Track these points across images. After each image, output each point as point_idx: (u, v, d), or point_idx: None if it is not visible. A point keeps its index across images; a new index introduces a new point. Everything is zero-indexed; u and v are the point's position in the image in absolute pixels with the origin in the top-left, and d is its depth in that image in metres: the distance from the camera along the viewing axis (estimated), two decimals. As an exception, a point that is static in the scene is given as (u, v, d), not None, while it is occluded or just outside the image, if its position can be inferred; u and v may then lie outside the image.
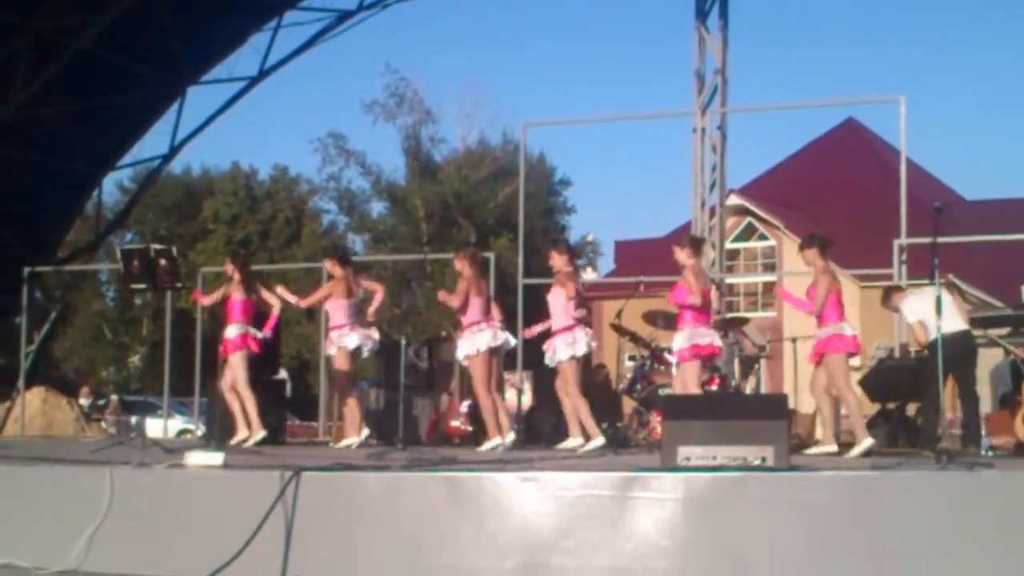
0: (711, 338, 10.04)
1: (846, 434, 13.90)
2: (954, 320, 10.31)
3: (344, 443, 11.16)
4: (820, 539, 6.14)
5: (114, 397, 28.32)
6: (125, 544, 6.80)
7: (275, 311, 11.42)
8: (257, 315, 11.25)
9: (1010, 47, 65.49)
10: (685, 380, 10.02)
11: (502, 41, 71.78)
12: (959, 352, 10.10)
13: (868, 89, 65.60)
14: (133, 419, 24.34)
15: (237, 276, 11.06)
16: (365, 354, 11.48)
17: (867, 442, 9.27)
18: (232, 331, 11.00)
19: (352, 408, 11.32)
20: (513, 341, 10.93)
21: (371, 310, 11.45)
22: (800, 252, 9.93)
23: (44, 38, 18.48)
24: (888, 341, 13.73)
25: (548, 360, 10.32)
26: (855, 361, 16.58)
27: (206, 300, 11.80)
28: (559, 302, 10.20)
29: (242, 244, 47.89)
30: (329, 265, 11.44)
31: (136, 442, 10.27)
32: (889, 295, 11.16)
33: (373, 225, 47.68)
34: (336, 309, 11.25)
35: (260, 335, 11.15)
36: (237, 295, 11.10)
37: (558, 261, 10.30)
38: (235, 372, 11.03)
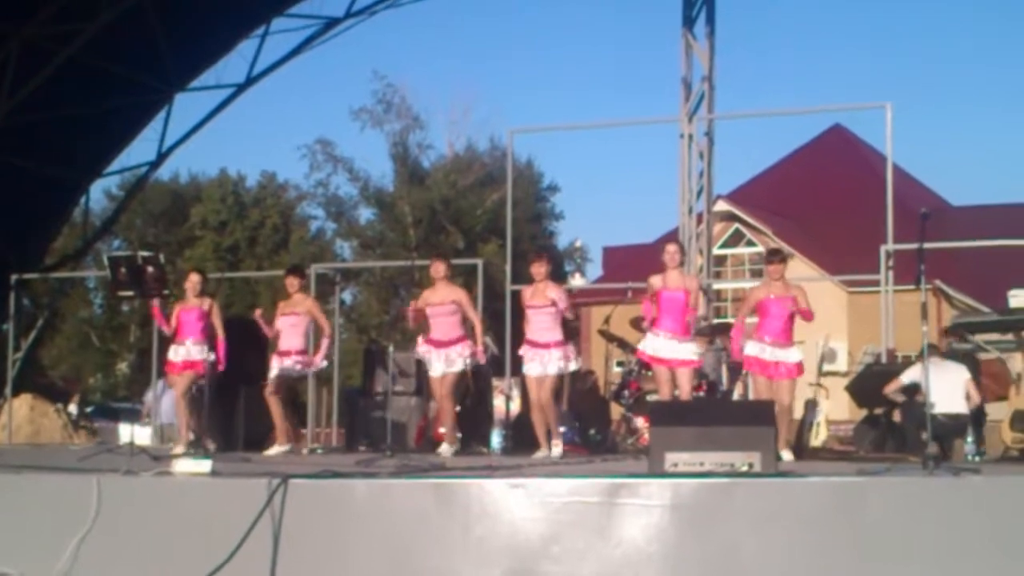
0: None
1: (841, 441, 13.96)
2: (954, 401, 10.55)
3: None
4: (808, 545, 6.15)
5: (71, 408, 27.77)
6: (113, 552, 6.78)
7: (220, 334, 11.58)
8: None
9: (997, 53, 65.80)
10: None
11: (489, 48, 71.91)
12: (942, 433, 10.34)
13: (855, 95, 65.61)
14: (121, 427, 24.23)
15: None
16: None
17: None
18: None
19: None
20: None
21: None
22: (770, 266, 10.05)
23: (32, 45, 18.46)
24: (875, 347, 13.77)
25: (548, 369, 10.41)
26: (842, 366, 16.66)
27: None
28: (554, 317, 10.39)
29: (230, 251, 47.84)
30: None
31: (123, 449, 10.24)
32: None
33: (361, 231, 47.67)
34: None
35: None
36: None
37: (544, 270, 10.49)
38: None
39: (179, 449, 10.91)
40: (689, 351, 10.14)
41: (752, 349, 9.90)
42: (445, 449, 10.86)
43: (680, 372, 10.17)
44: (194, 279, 11.46)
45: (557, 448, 10.45)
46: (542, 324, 10.41)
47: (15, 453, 11.73)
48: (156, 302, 11.28)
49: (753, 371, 10.04)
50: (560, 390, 12.62)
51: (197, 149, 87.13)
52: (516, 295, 14.77)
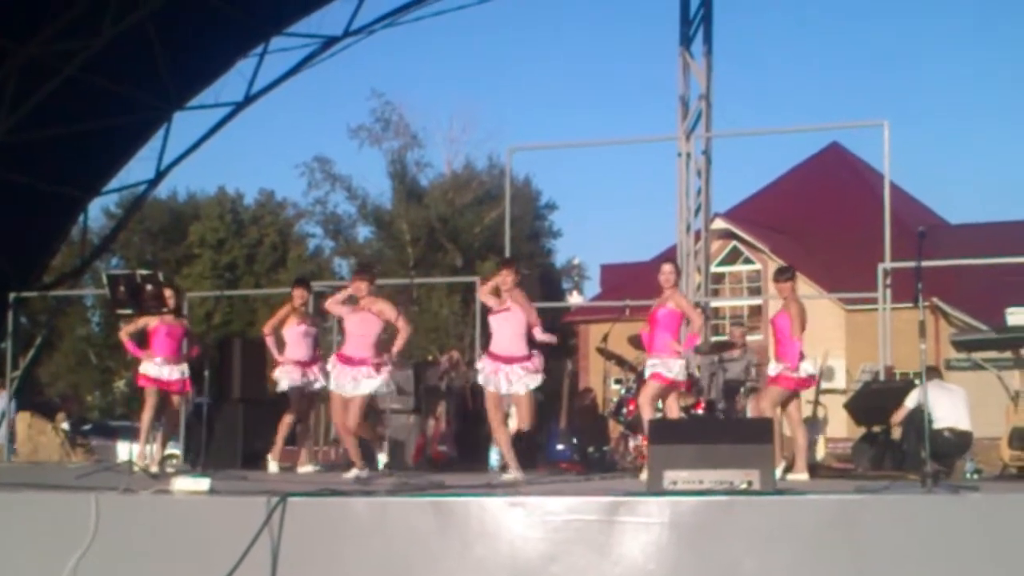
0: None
1: (839, 459, 13.92)
2: (959, 417, 10.58)
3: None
4: (807, 563, 6.15)
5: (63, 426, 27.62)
6: (111, 571, 6.77)
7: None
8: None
9: (995, 70, 65.99)
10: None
11: (487, 66, 72.09)
12: (947, 451, 10.36)
13: (852, 113, 65.98)
14: (119, 445, 24.19)
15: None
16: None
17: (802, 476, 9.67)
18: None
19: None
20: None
21: None
22: (776, 283, 10.13)
23: (34, 62, 18.50)
24: (873, 364, 13.77)
25: (505, 388, 9.60)
26: (840, 384, 16.70)
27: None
28: (520, 326, 9.66)
29: (228, 268, 47.85)
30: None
31: (122, 468, 10.23)
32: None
33: (359, 249, 47.70)
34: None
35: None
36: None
37: (511, 280, 9.67)
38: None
39: (155, 468, 10.80)
40: (651, 366, 10.05)
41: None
42: (352, 472, 10.02)
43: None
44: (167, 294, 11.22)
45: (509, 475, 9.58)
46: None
47: (13, 471, 11.72)
48: (127, 337, 11.28)
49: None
50: (559, 408, 12.59)
51: (195, 167, 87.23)
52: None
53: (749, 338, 10.17)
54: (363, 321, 10.01)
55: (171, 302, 11.02)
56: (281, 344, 11.63)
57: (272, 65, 22.01)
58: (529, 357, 9.63)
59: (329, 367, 10.20)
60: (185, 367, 11.45)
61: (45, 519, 7.09)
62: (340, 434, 10.41)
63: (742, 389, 12.54)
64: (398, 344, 10.07)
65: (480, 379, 9.76)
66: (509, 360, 9.59)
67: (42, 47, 18.24)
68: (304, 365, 11.46)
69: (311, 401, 11.81)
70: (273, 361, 11.73)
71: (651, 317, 10.23)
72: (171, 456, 14.08)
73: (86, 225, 24.36)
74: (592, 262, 53.67)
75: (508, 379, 9.56)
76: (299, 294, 11.70)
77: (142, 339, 11.43)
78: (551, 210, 49.78)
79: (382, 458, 10.38)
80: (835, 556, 6.14)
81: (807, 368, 9.92)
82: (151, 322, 11.15)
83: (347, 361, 9.99)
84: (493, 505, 6.46)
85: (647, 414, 9.84)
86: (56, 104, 19.03)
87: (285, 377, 11.44)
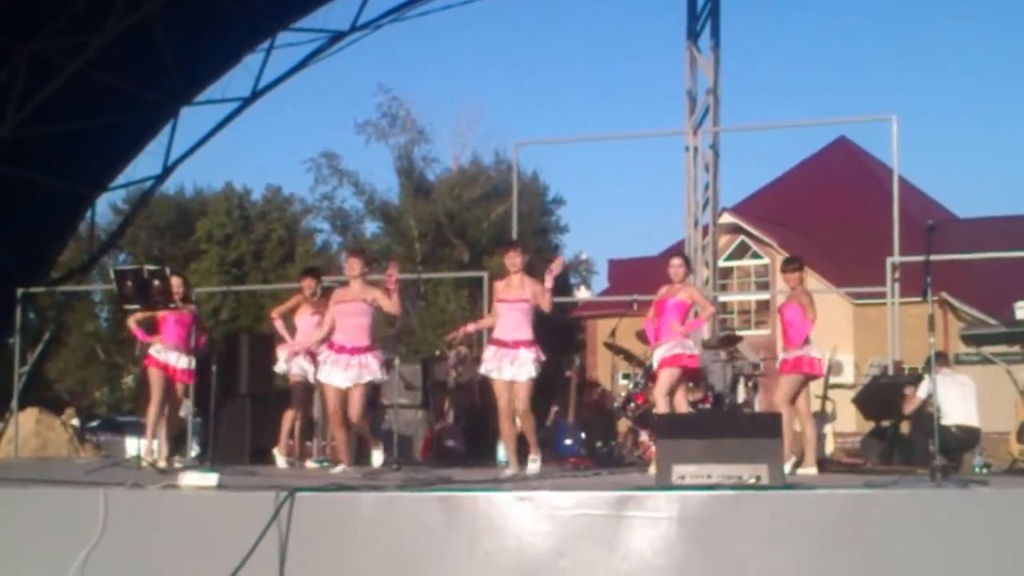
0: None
1: (848, 453, 13.90)
2: (968, 413, 10.55)
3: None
4: (815, 557, 6.14)
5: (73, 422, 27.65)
6: (119, 566, 6.78)
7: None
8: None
9: (1003, 64, 65.81)
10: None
11: (494, 61, 72.02)
12: (956, 446, 10.34)
13: (860, 107, 65.65)
14: (127, 440, 24.24)
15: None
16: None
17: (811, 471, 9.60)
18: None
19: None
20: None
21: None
22: (784, 274, 10.10)
23: (40, 58, 18.52)
24: (881, 358, 13.74)
25: (509, 374, 9.30)
26: (849, 378, 16.68)
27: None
28: (527, 315, 9.40)
29: (235, 264, 47.87)
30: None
31: (130, 463, 10.24)
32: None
33: (366, 245, 47.73)
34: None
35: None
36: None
37: (519, 261, 9.47)
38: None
39: (163, 463, 10.73)
40: (658, 355, 9.96)
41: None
42: (339, 469, 9.85)
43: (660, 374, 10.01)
44: (175, 283, 11.08)
45: (535, 464, 9.46)
46: (512, 322, 9.37)
47: (22, 467, 11.73)
48: (135, 325, 11.24)
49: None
50: (567, 403, 12.58)
51: (202, 163, 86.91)
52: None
53: (756, 332, 10.12)
54: (356, 308, 9.87)
55: (179, 291, 10.97)
56: (292, 330, 11.60)
57: (279, 60, 22.10)
58: (533, 343, 9.34)
59: (321, 358, 10.03)
60: (192, 360, 11.40)
61: (54, 514, 7.09)
62: (334, 428, 10.24)
63: (743, 379, 12.51)
64: (391, 304, 9.90)
65: (483, 369, 9.46)
66: (516, 344, 9.32)
67: (45, 43, 18.26)
68: (314, 357, 11.36)
69: (312, 394, 11.77)
70: (280, 339, 11.68)
71: (659, 306, 10.13)
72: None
73: (93, 221, 24.42)
74: (600, 257, 53.71)
75: (511, 363, 9.27)
76: (308, 284, 11.66)
77: (151, 327, 11.41)
78: (558, 205, 49.80)
79: (377, 456, 9.98)
80: (844, 551, 6.13)
81: (812, 350, 9.86)
82: (160, 311, 11.12)
83: (342, 350, 9.85)
84: (501, 500, 6.45)
85: (663, 407, 9.74)
86: (63, 100, 19.08)
87: (294, 365, 11.41)
